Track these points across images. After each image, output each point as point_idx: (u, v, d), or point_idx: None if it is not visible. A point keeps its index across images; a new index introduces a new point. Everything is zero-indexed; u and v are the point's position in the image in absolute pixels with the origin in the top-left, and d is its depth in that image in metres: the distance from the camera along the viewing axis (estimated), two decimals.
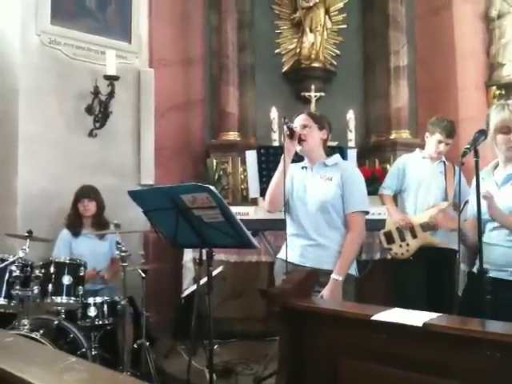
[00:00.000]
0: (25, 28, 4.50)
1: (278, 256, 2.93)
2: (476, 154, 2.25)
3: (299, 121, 2.83)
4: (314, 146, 2.82)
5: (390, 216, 3.85)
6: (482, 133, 2.36)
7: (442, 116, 3.87)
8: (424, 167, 3.84)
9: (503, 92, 5.38)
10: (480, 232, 2.22)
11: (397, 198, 3.99)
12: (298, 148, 2.78)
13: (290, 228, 2.85)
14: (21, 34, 4.49)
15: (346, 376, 1.84)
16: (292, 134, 2.73)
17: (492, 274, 2.35)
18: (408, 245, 3.75)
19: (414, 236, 3.73)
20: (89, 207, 4.09)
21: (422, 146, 3.97)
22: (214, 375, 2.74)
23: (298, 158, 2.91)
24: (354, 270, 2.80)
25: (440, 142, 3.76)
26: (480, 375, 1.53)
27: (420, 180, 3.81)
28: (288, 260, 2.80)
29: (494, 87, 5.45)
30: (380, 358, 1.72)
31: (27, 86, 4.48)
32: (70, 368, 1.25)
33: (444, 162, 3.87)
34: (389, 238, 3.83)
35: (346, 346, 1.84)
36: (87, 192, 4.11)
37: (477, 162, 2.23)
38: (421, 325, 1.59)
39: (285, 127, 2.74)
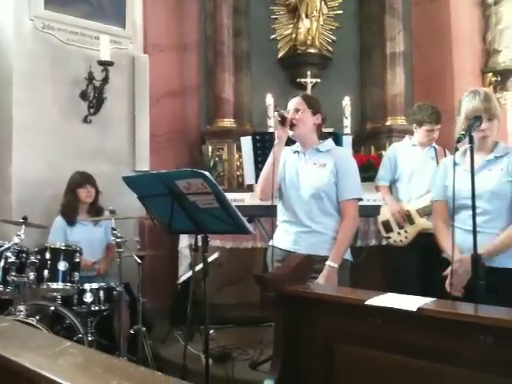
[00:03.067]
0: (18, 13, 4.45)
1: (271, 243, 2.93)
2: (471, 140, 2.26)
3: (292, 104, 2.78)
4: (305, 131, 2.78)
5: (386, 205, 3.86)
6: (477, 119, 2.37)
7: (423, 103, 3.85)
8: (415, 154, 3.84)
9: (499, 78, 5.38)
10: (474, 216, 2.23)
11: (391, 187, 3.99)
12: (290, 133, 2.75)
13: (283, 214, 2.84)
14: (14, 18, 4.45)
15: (340, 360, 1.86)
16: (284, 120, 2.70)
17: (493, 264, 2.38)
18: (406, 232, 3.76)
19: (412, 222, 3.75)
20: (91, 193, 4.08)
21: None
22: (210, 360, 2.76)
23: (293, 143, 2.90)
24: (348, 256, 2.80)
25: (431, 130, 3.75)
26: (473, 360, 1.54)
27: (412, 168, 3.82)
28: (281, 247, 2.80)
29: (490, 74, 5.45)
30: (374, 342, 1.74)
31: (20, 71, 4.44)
32: (65, 352, 1.26)
33: (434, 148, 3.87)
34: (387, 226, 3.84)
35: (340, 330, 1.85)
36: (88, 178, 4.10)
37: (471, 148, 2.25)
38: (415, 309, 1.60)
39: (276, 114, 2.72)
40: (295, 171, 2.80)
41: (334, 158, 2.74)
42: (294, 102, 2.79)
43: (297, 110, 2.76)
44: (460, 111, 2.55)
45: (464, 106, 2.53)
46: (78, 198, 4.07)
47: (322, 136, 2.88)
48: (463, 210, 2.48)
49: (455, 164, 2.32)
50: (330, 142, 2.86)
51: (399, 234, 3.79)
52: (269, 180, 2.75)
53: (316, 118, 2.80)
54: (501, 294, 2.20)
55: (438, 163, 3.80)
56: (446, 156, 3.81)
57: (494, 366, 1.51)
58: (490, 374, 1.51)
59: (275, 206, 2.89)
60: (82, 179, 4.08)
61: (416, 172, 3.81)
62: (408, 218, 3.76)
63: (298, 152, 2.85)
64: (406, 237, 3.77)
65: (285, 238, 2.78)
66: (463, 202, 2.42)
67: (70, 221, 4.03)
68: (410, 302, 1.65)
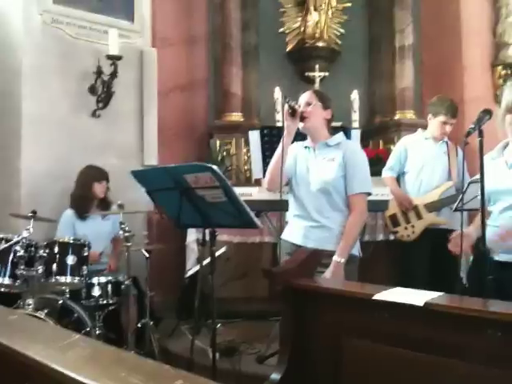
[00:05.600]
0: (27, 7, 4.46)
1: (282, 237, 2.94)
2: (480, 134, 2.23)
3: (304, 98, 2.80)
4: (316, 124, 2.79)
5: (393, 196, 3.84)
6: (487, 112, 2.33)
7: (443, 95, 3.83)
8: (427, 148, 3.82)
9: (509, 72, 5.32)
10: (483, 212, 2.21)
11: (399, 179, 3.98)
12: (301, 125, 2.75)
13: (293, 209, 2.85)
14: (23, 13, 4.46)
15: (347, 355, 1.86)
16: (294, 112, 2.71)
17: (501, 258, 2.34)
18: (413, 226, 3.75)
19: (419, 217, 3.73)
20: (105, 189, 4.09)
21: (426, 127, 3.94)
22: (217, 354, 2.77)
23: (302, 138, 2.90)
24: (356, 251, 2.80)
25: (445, 123, 3.73)
26: (481, 354, 1.53)
27: (423, 161, 3.80)
28: (291, 241, 2.81)
29: (500, 67, 5.39)
30: (382, 337, 1.74)
31: (30, 66, 4.46)
32: (74, 345, 1.26)
33: (447, 142, 3.85)
34: (394, 220, 3.82)
35: (348, 325, 1.85)
36: (105, 173, 4.11)
37: (481, 142, 2.21)
38: (422, 304, 1.60)
39: (286, 105, 2.72)
40: (306, 166, 2.81)
41: (343, 152, 2.74)
42: (306, 96, 2.81)
43: (308, 104, 2.77)
44: (502, 102, 2.42)
45: (505, 98, 2.39)
46: (93, 193, 4.07)
47: (332, 131, 2.88)
48: (495, 205, 2.41)
49: (482, 157, 2.20)
50: (340, 135, 2.86)
51: (406, 228, 3.78)
52: (276, 171, 2.77)
53: (327, 113, 2.82)
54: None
55: (449, 158, 3.79)
56: (457, 152, 3.79)
57: (502, 361, 1.50)
58: (497, 369, 1.51)
59: (283, 200, 2.90)
60: (101, 175, 4.09)
61: (426, 166, 3.79)
62: (416, 212, 3.75)
63: (308, 147, 2.85)
64: (413, 232, 3.75)
65: (295, 232, 2.78)
66: (496, 196, 2.37)
67: (82, 214, 4.04)
68: (417, 297, 1.64)
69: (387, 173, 3.93)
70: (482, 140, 2.22)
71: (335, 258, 2.64)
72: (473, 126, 2.26)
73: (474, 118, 2.32)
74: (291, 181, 2.84)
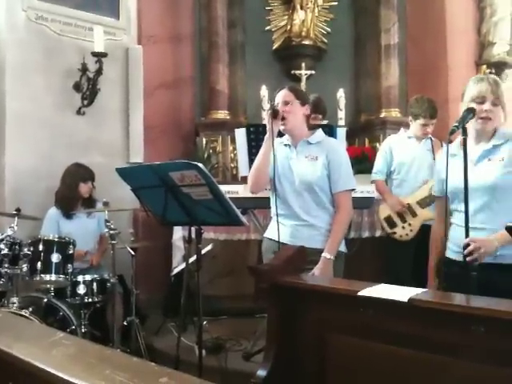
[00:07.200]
0: (11, 3, 4.41)
1: (265, 235, 2.93)
2: (464, 132, 2.25)
3: (281, 96, 2.77)
4: (296, 123, 2.77)
5: (385, 201, 3.85)
6: (470, 111, 2.34)
7: (421, 97, 3.83)
8: (411, 146, 3.85)
9: (493, 71, 5.38)
10: (467, 211, 2.22)
11: (387, 180, 3.99)
12: (281, 127, 2.73)
13: (277, 208, 2.84)
14: (6, 9, 4.41)
15: (333, 351, 1.87)
16: (276, 114, 2.69)
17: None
18: (410, 224, 3.76)
19: (414, 215, 3.75)
20: (91, 189, 4.07)
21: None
22: (204, 351, 2.77)
23: (279, 134, 2.88)
24: (343, 247, 2.82)
25: (425, 125, 3.76)
26: (464, 350, 1.55)
27: (409, 160, 3.82)
28: (277, 240, 2.80)
29: (485, 66, 5.45)
30: (367, 332, 1.75)
31: (14, 62, 4.41)
32: (59, 343, 1.25)
33: (431, 139, 3.88)
34: (390, 222, 3.83)
35: (333, 321, 1.86)
36: (91, 174, 4.08)
37: (465, 140, 2.24)
38: (406, 300, 1.61)
39: (269, 107, 2.72)
40: (288, 165, 2.79)
41: (326, 150, 2.74)
42: (283, 95, 2.77)
43: (286, 103, 2.75)
44: (465, 96, 2.40)
45: (469, 90, 2.38)
46: (78, 192, 4.04)
47: (311, 127, 2.87)
48: (463, 204, 2.30)
49: (448, 155, 2.28)
50: (319, 133, 2.85)
51: (404, 228, 3.78)
52: (260, 173, 2.76)
53: (305, 109, 2.80)
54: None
55: (434, 155, 3.82)
56: (442, 147, 3.82)
57: (485, 356, 1.52)
58: (480, 364, 1.52)
59: (269, 198, 2.90)
60: (88, 175, 4.05)
61: (413, 164, 3.81)
62: (410, 210, 3.76)
63: (288, 145, 2.83)
64: (410, 230, 3.75)
65: (281, 230, 2.77)
66: (462, 196, 2.29)
67: (67, 213, 4.01)
68: (401, 293, 1.66)
69: (377, 176, 3.93)
70: (466, 138, 2.24)
71: (324, 254, 2.66)
72: (456, 124, 2.27)
73: (458, 116, 2.34)
74: (273, 179, 2.83)
